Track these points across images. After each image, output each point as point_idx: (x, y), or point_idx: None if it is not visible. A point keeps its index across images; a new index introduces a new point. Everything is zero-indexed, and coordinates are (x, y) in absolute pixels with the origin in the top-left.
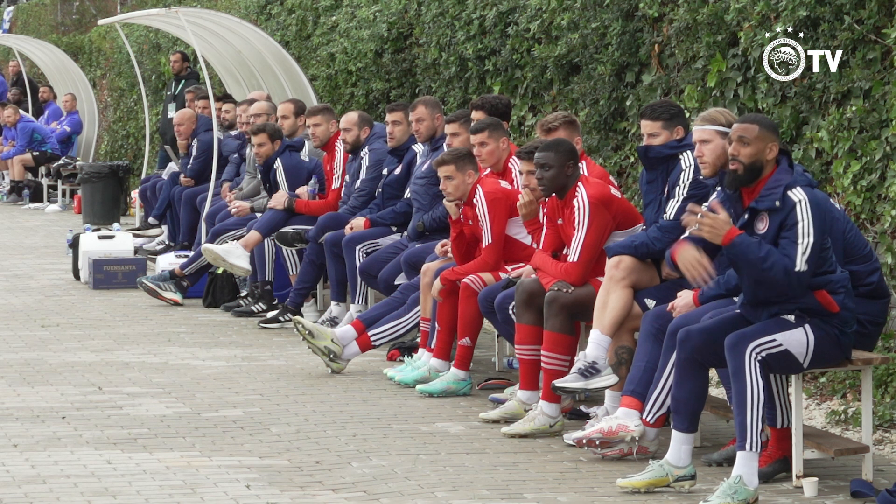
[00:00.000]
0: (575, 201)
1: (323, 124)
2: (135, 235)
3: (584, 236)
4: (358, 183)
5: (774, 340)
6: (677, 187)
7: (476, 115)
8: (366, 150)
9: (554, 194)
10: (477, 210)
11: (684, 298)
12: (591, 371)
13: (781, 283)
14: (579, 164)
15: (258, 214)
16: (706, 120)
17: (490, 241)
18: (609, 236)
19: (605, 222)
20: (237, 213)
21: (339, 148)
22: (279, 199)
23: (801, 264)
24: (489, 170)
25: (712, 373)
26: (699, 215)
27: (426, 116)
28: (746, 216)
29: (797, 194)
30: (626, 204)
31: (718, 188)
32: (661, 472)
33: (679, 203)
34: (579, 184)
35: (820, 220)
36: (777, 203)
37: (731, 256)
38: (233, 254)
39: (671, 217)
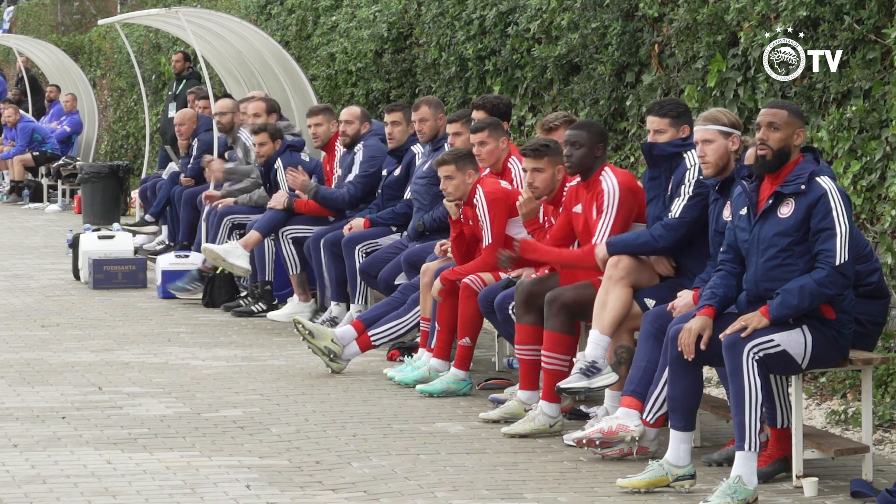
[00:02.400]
0: (603, 185)
1: (324, 124)
2: (133, 233)
3: (613, 220)
4: (350, 177)
5: (772, 341)
6: (682, 186)
7: (477, 115)
8: (360, 145)
9: (578, 176)
10: (477, 210)
11: (684, 298)
12: (592, 370)
13: (828, 295)
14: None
15: (236, 201)
16: (708, 120)
17: (490, 241)
18: (631, 226)
19: (631, 209)
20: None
21: (340, 148)
22: (279, 199)
23: (842, 256)
24: (488, 170)
25: (713, 373)
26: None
27: (429, 116)
28: (771, 201)
29: (825, 182)
30: (644, 198)
31: (715, 188)
32: (660, 472)
33: (685, 202)
34: (606, 168)
35: (849, 210)
36: (803, 187)
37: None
38: (233, 253)
39: (676, 215)
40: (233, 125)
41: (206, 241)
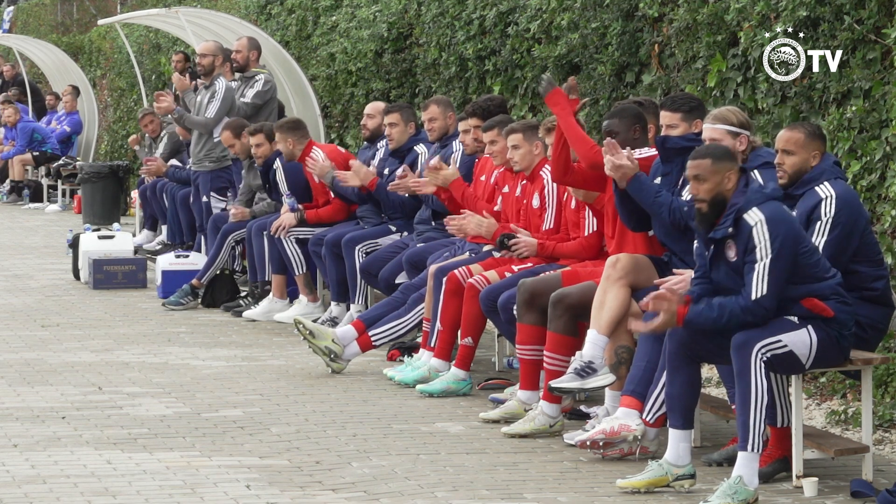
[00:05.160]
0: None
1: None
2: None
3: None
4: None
5: (780, 341)
6: None
7: (471, 122)
8: (383, 141)
9: None
10: (545, 191)
11: (685, 275)
12: (587, 371)
13: (747, 322)
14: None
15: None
16: (718, 119)
17: (551, 226)
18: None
19: None
20: (235, 217)
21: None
22: (289, 220)
23: (758, 291)
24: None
25: (713, 373)
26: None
27: (438, 115)
28: (713, 248)
29: (753, 216)
30: None
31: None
32: (660, 472)
33: None
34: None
35: (784, 233)
36: (730, 230)
37: (691, 330)
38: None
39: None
40: (213, 69)
41: (206, 252)
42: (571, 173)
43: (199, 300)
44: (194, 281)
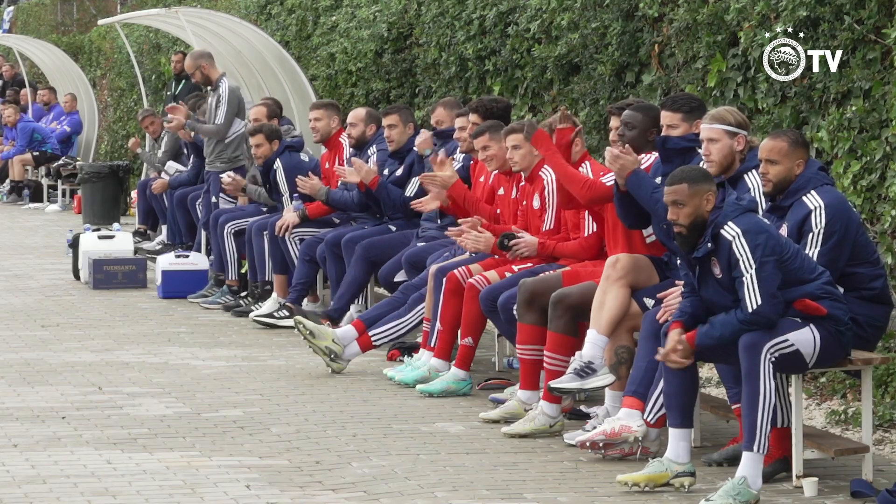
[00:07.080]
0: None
1: (324, 119)
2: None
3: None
4: None
5: (787, 340)
6: None
7: (473, 119)
8: (373, 148)
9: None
10: (545, 192)
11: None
12: (587, 371)
13: (754, 328)
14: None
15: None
16: (715, 119)
17: (551, 227)
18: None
19: None
20: (229, 186)
21: (346, 143)
22: (291, 218)
23: (753, 302)
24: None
25: (713, 373)
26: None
27: (445, 119)
28: (698, 268)
29: (729, 230)
30: None
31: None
32: (660, 468)
33: None
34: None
35: (763, 243)
36: (710, 245)
37: (701, 351)
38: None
39: None
40: (209, 76)
41: (207, 246)
42: (575, 201)
43: (237, 298)
44: (228, 280)
